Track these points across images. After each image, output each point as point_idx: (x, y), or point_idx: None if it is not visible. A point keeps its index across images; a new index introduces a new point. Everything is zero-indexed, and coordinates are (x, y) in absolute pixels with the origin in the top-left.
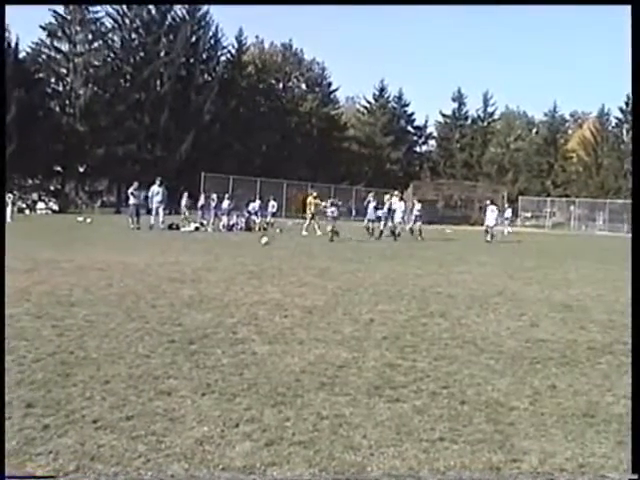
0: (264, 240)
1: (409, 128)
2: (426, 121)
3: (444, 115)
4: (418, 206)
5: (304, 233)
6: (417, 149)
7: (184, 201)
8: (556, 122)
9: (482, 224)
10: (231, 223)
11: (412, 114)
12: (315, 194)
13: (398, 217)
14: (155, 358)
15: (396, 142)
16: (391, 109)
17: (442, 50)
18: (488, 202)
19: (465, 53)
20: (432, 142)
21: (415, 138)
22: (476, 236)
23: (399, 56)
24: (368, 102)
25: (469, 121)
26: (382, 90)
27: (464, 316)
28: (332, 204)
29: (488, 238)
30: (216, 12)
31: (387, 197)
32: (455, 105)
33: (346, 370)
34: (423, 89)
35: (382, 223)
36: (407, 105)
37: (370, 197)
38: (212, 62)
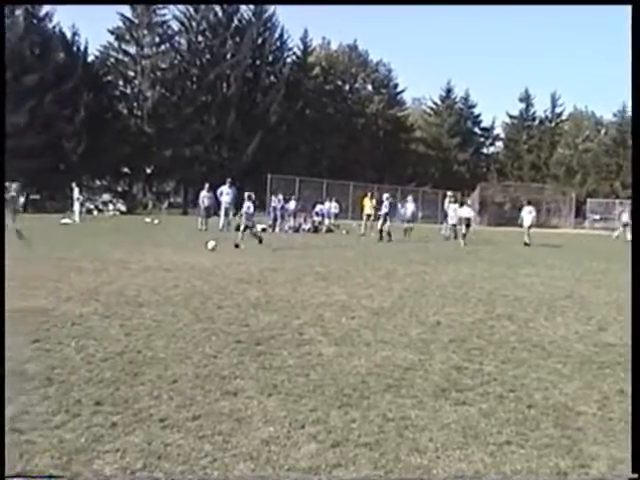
0: (211, 245)
1: (476, 129)
2: (493, 122)
3: (511, 116)
4: (469, 210)
5: (361, 231)
6: (484, 151)
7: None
8: (625, 122)
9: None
10: (297, 224)
11: (479, 115)
12: (371, 194)
13: (451, 219)
14: (222, 358)
15: (463, 143)
16: (458, 110)
17: (509, 50)
18: (525, 202)
19: (533, 53)
20: (499, 144)
21: (482, 139)
22: (543, 239)
23: (466, 57)
24: (435, 103)
25: (537, 122)
26: (449, 91)
27: (531, 319)
28: (387, 198)
29: (527, 240)
30: (282, 13)
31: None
32: (522, 106)
33: (412, 372)
34: (490, 90)
35: (443, 225)
36: (474, 106)
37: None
38: (278, 64)
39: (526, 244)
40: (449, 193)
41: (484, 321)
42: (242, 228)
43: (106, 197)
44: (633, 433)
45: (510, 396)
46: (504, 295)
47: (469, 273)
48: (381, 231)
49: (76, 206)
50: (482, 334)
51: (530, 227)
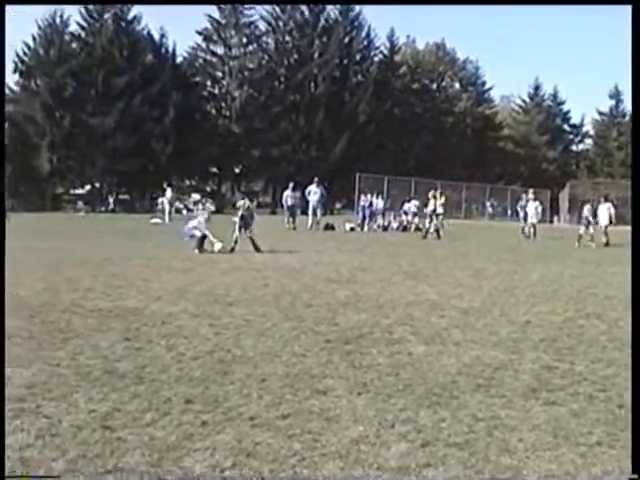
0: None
1: (565, 126)
2: (582, 119)
3: (601, 113)
4: (537, 205)
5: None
6: (573, 148)
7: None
8: None
9: None
10: (386, 223)
11: (568, 112)
12: (436, 191)
13: (531, 216)
14: (311, 357)
15: (552, 141)
16: (546, 107)
17: (598, 46)
18: (602, 199)
19: (622, 49)
20: (589, 141)
21: (571, 137)
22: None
23: (554, 53)
24: (523, 101)
25: (627, 118)
26: (537, 88)
27: (621, 318)
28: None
29: (604, 239)
30: (368, 13)
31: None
32: (612, 102)
33: (502, 372)
34: (579, 86)
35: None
36: (562, 103)
37: (528, 196)
38: (366, 63)
39: (606, 244)
40: (530, 190)
41: (574, 320)
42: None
43: (195, 197)
44: (633, 434)
45: (601, 396)
46: (594, 294)
47: (558, 271)
48: (437, 230)
49: (166, 206)
50: (572, 333)
51: (607, 225)
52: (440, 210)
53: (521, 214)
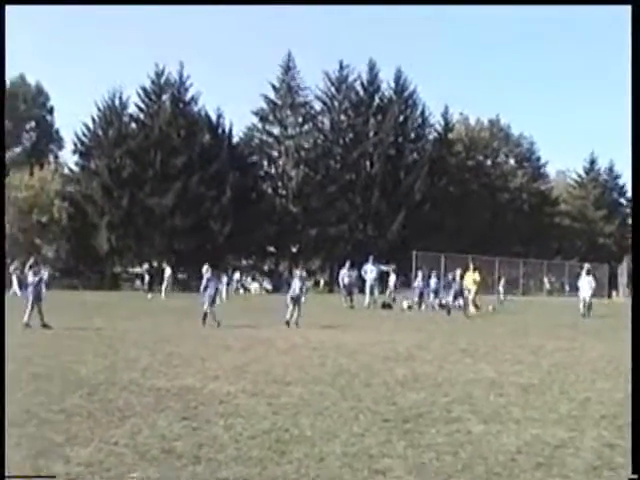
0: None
1: (622, 200)
2: None
3: None
4: (590, 280)
5: (471, 310)
6: (630, 221)
7: (393, 280)
8: None
9: None
10: (443, 302)
11: (624, 186)
12: (472, 266)
13: (585, 291)
14: (369, 437)
15: (609, 215)
16: (602, 182)
17: None
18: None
19: None
20: None
21: (628, 210)
22: None
23: (608, 127)
24: (579, 175)
25: None
26: (592, 162)
27: None
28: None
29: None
30: (422, 90)
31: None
32: None
33: (563, 450)
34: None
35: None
36: (619, 177)
37: (582, 271)
38: (421, 141)
39: None
40: (585, 265)
41: None
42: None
43: (252, 276)
44: (633, 434)
45: None
46: None
47: (620, 347)
48: (476, 305)
49: (224, 287)
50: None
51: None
52: (471, 287)
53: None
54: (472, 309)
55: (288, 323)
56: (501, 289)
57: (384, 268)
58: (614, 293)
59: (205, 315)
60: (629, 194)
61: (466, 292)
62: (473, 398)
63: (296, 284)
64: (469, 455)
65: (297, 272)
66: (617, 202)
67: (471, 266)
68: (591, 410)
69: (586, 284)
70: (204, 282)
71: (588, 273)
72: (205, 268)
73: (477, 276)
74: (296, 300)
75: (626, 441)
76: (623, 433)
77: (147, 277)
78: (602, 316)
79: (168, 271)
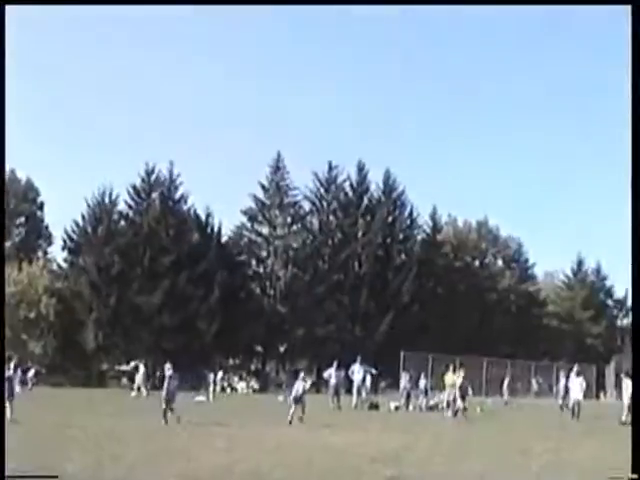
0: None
1: (609, 302)
2: (626, 293)
3: None
4: (582, 382)
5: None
6: (618, 323)
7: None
8: None
9: None
10: (431, 403)
11: (611, 287)
12: (452, 367)
13: (575, 394)
14: None
15: (596, 316)
16: (590, 283)
17: None
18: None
19: None
20: None
21: (615, 311)
22: None
23: (595, 228)
24: (566, 276)
25: None
26: (580, 264)
27: None
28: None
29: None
30: (410, 192)
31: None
32: None
33: None
34: (623, 260)
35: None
36: (606, 278)
37: (572, 373)
38: (409, 242)
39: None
40: (576, 367)
41: None
42: None
43: (239, 375)
44: (633, 435)
45: None
46: None
47: (608, 448)
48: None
49: (210, 386)
50: None
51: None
52: (449, 388)
53: (561, 392)
54: (458, 408)
55: (291, 422)
56: (505, 390)
57: (374, 371)
58: (602, 394)
59: (165, 412)
60: (616, 295)
61: (454, 394)
62: None
63: (299, 385)
64: None
65: (301, 374)
66: (604, 303)
67: (451, 367)
68: None
69: (577, 385)
70: (166, 380)
71: (578, 374)
72: (167, 366)
73: (456, 378)
74: (299, 400)
75: None
76: None
77: (140, 374)
78: (589, 417)
79: (142, 369)
